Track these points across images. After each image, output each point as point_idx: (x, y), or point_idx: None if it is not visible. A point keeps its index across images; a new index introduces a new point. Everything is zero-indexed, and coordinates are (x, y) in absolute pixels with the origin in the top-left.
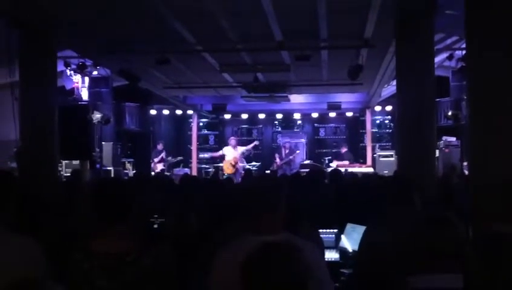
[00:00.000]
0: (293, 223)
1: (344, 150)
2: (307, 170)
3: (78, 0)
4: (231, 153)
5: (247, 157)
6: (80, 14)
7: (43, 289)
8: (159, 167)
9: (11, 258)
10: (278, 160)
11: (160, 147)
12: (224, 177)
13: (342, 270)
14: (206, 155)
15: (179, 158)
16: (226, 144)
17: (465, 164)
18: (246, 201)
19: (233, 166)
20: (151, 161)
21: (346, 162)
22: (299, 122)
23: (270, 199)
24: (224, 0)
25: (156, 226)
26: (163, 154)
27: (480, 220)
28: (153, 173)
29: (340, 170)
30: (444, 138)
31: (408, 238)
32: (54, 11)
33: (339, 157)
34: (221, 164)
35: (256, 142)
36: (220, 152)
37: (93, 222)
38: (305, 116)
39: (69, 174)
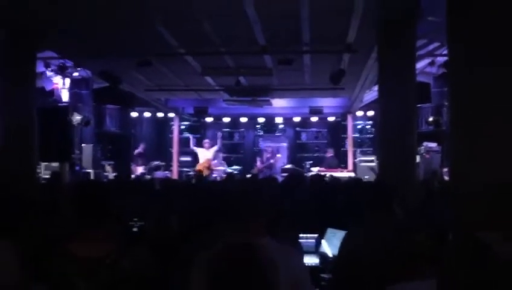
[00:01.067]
0: (273, 227)
1: (329, 154)
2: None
3: (58, 1)
4: (204, 154)
5: (228, 161)
6: (61, 15)
7: None
8: (140, 169)
9: None
10: (259, 163)
11: (141, 150)
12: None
13: (322, 275)
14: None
15: (159, 163)
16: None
17: (445, 169)
18: (227, 205)
19: (207, 168)
20: (132, 164)
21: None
22: (281, 126)
23: (252, 203)
24: (207, 3)
25: (135, 229)
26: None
27: (462, 227)
28: (133, 176)
29: (320, 175)
30: (424, 143)
31: (385, 244)
32: (35, 12)
33: (323, 161)
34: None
35: (220, 135)
36: (194, 149)
37: (73, 224)
38: (287, 120)
39: (48, 176)
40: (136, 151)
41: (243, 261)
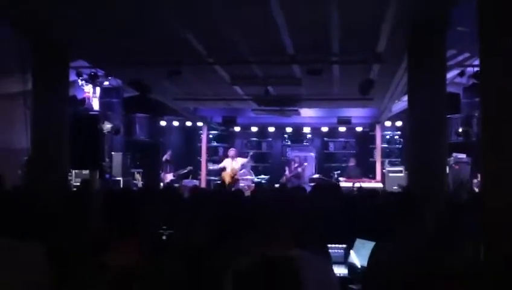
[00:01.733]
0: (302, 237)
1: (351, 164)
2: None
3: (91, 11)
4: (230, 164)
5: (255, 170)
6: (93, 25)
7: None
8: (169, 177)
9: (14, 263)
10: (287, 173)
11: (168, 157)
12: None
13: (350, 285)
14: (212, 167)
15: (189, 168)
16: (239, 156)
17: (475, 181)
18: (257, 215)
19: (232, 177)
20: (161, 172)
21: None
22: (308, 136)
23: (281, 213)
24: (236, 13)
25: (164, 237)
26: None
27: (492, 240)
28: (161, 184)
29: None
30: (454, 154)
31: (416, 256)
32: (67, 22)
33: (346, 171)
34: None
35: (250, 154)
36: (221, 165)
37: (103, 233)
38: (315, 130)
39: (78, 184)
40: (164, 158)
41: (279, 274)
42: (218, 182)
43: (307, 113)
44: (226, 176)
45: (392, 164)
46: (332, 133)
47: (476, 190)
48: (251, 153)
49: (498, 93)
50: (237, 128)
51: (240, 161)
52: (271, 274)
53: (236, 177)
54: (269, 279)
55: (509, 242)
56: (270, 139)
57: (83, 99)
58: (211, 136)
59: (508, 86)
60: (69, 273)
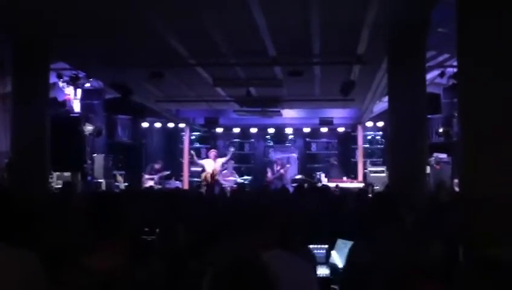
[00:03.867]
0: (285, 239)
1: (332, 163)
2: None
3: (71, 13)
4: (210, 165)
5: (238, 171)
6: (74, 26)
7: None
8: (149, 182)
9: (12, 273)
10: (269, 174)
11: (158, 166)
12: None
13: (332, 286)
14: (194, 169)
15: (167, 173)
16: (220, 157)
17: (456, 181)
18: (237, 217)
19: (212, 177)
20: (142, 174)
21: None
22: (290, 136)
23: (262, 215)
24: (218, 15)
25: (148, 239)
26: (157, 175)
27: (472, 239)
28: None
29: (328, 186)
30: (435, 154)
31: (393, 256)
32: (47, 24)
33: (328, 171)
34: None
35: (231, 150)
36: (200, 163)
37: (85, 236)
38: (297, 131)
39: (60, 186)
40: (154, 165)
41: (245, 276)
42: (198, 180)
43: (289, 114)
44: (207, 176)
45: (373, 164)
46: (315, 133)
47: (457, 189)
48: (232, 150)
49: (475, 93)
50: (219, 130)
51: (220, 161)
52: (240, 275)
53: (216, 177)
54: (239, 280)
55: (487, 241)
56: (253, 140)
57: (64, 102)
58: (193, 137)
59: (485, 86)
60: (51, 276)
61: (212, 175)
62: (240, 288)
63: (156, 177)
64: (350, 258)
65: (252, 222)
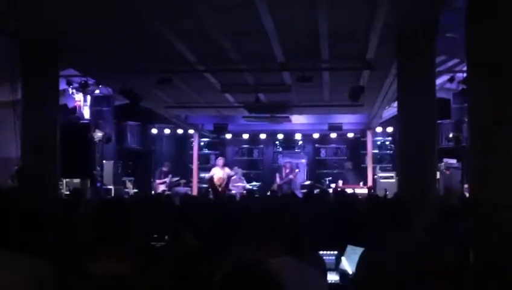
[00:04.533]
0: (295, 245)
1: (347, 168)
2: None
3: (80, 20)
4: (218, 173)
5: (247, 177)
6: (83, 33)
7: None
8: (161, 187)
9: (23, 281)
10: (278, 180)
11: (166, 168)
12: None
13: None
14: (202, 175)
15: (178, 179)
16: (227, 164)
17: (466, 186)
18: (246, 223)
19: (219, 185)
20: (152, 180)
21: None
22: (300, 142)
23: (271, 222)
24: (226, 21)
25: (157, 245)
26: (169, 177)
27: (481, 245)
28: (153, 193)
29: (343, 191)
30: (445, 160)
31: (404, 261)
32: (56, 31)
33: (344, 176)
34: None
35: (237, 169)
36: (211, 173)
37: (93, 242)
38: (306, 136)
39: (69, 193)
40: (162, 168)
41: (248, 280)
42: (205, 186)
43: (298, 119)
44: (215, 181)
45: (383, 170)
46: (324, 139)
47: (467, 195)
48: (238, 169)
49: (485, 97)
50: (228, 136)
51: (228, 171)
52: (243, 280)
53: (223, 186)
54: (241, 285)
55: (498, 247)
56: (262, 146)
57: (74, 108)
58: (202, 143)
59: (494, 90)
60: (59, 283)
61: (220, 185)
62: None
63: (167, 180)
64: (360, 264)
65: (261, 228)
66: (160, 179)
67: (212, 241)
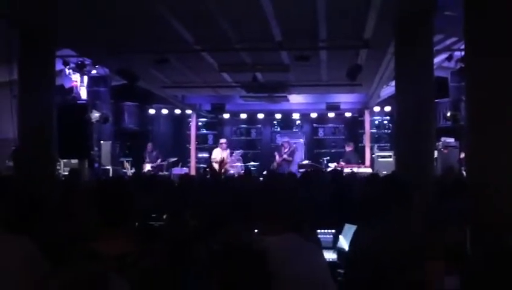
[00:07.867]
0: (296, 224)
1: (349, 148)
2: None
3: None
4: (219, 154)
5: (245, 157)
6: (79, 13)
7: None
8: (147, 167)
9: (8, 257)
10: (277, 158)
11: (149, 149)
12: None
13: (339, 270)
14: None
15: (165, 161)
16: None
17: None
18: (245, 203)
19: (220, 165)
20: (144, 161)
21: (343, 163)
22: (298, 122)
23: (270, 201)
24: (224, 0)
25: (155, 225)
26: (154, 154)
27: (478, 223)
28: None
29: (339, 170)
30: (442, 138)
31: (401, 240)
32: (53, 11)
33: (342, 156)
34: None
35: (238, 153)
36: (213, 155)
37: (93, 222)
38: (304, 116)
39: (67, 173)
40: (148, 149)
41: (237, 261)
42: (204, 166)
43: (296, 99)
44: (216, 165)
45: (381, 149)
46: (322, 119)
47: (465, 174)
48: (239, 152)
49: (482, 75)
50: (226, 116)
51: (227, 152)
52: (232, 261)
53: (226, 167)
54: (230, 266)
55: (495, 225)
56: (260, 125)
57: (71, 88)
58: (200, 123)
59: (492, 68)
60: (60, 262)
61: (221, 164)
62: (232, 273)
63: (154, 165)
64: (354, 242)
65: (258, 207)
66: (146, 158)
67: (212, 220)
